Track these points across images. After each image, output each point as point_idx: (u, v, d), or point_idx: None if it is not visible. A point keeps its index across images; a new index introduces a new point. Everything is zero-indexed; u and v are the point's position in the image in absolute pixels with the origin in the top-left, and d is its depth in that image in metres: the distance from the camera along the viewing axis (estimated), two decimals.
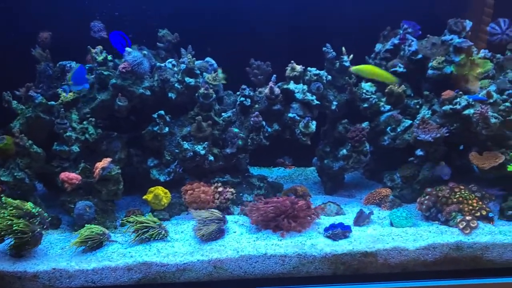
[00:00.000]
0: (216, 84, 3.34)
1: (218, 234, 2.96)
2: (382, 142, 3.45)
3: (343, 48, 3.54)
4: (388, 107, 3.45)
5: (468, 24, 3.57)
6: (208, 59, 3.54)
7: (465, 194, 3.15)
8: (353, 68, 3.19)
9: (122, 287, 2.78)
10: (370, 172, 3.79)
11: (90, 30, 3.66)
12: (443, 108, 3.23)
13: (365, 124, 3.41)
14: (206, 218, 2.98)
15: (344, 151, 3.42)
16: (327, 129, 3.63)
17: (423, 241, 2.92)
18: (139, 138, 3.32)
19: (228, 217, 3.18)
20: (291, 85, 3.32)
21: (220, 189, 3.24)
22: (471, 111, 3.15)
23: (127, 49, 3.10)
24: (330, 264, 2.86)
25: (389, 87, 3.42)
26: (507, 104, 3.14)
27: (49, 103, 3.07)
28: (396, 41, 3.62)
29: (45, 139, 3.12)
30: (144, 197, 3.22)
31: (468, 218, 3.04)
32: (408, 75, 3.57)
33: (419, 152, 3.41)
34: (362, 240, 2.95)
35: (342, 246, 2.88)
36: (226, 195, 3.24)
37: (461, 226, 3.01)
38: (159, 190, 3.20)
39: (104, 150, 3.24)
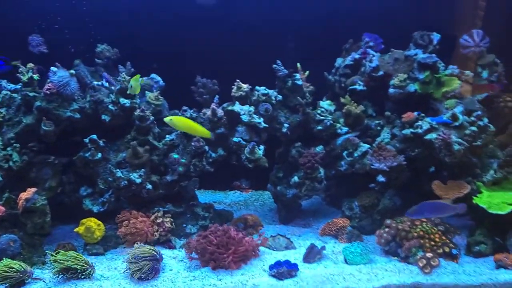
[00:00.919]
0: (158, 104, 3.06)
1: (152, 273, 2.68)
2: (339, 167, 3.16)
3: (298, 64, 3.24)
4: (345, 129, 3.17)
5: (436, 37, 3.29)
6: (153, 75, 3.26)
7: (427, 228, 2.86)
8: (165, 119, 2.73)
9: None
10: (331, 198, 3.50)
11: (29, 45, 3.38)
12: (403, 132, 2.96)
13: (319, 149, 3.13)
14: (139, 255, 2.69)
15: (296, 178, 3.14)
16: (282, 152, 3.34)
17: (378, 282, 2.66)
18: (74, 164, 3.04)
19: (167, 252, 2.93)
20: (236, 107, 3.04)
21: (159, 219, 2.96)
22: (434, 135, 2.85)
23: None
24: None
25: (346, 107, 3.13)
26: (473, 128, 2.85)
27: None
28: (356, 56, 3.34)
29: None
30: (76, 229, 2.96)
31: (428, 255, 2.75)
32: (369, 93, 3.28)
33: (380, 178, 3.13)
34: (309, 280, 2.68)
35: (287, 287, 2.60)
36: (166, 227, 2.94)
37: (420, 264, 2.73)
38: (91, 222, 2.93)
39: (33, 177, 2.97)
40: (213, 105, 2.92)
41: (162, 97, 3.11)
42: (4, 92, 2.95)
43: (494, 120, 3.11)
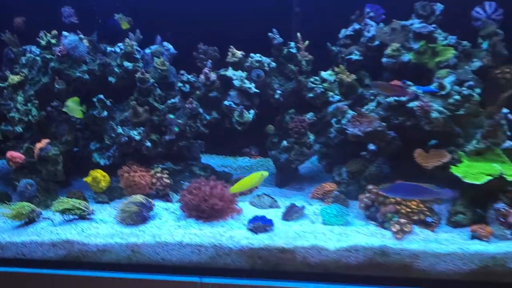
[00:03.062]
0: (164, 69, 3.34)
1: (140, 219, 2.99)
2: (329, 134, 3.27)
3: (298, 34, 3.37)
4: (337, 97, 3.26)
5: (438, 7, 3.25)
6: (165, 43, 3.54)
7: None
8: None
9: (52, 262, 2.89)
10: (329, 165, 3.60)
11: (61, 16, 3.78)
12: (387, 100, 3.00)
13: (309, 115, 3.26)
14: (131, 202, 3.02)
15: (285, 142, 3.29)
16: (279, 119, 3.51)
17: (346, 242, 2.76)
18: None
19: (161, 204, 3.22)
20: (229, 72, 3.24)
21: (158, 175, 3.26)
22: (416, 103, 2.88)
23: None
24: (247, 258, 2.80)
25: (339, 76, 3.22)
26: (457, 97, 2.84)
27: None
28: (357, 26, 3.40)
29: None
30: (85, 179, 3.33)
31: (402, 221, 2.82)
32: (366, 63, 3.34)
33: (371, 147, 3.20)
34: (282, 235, 2.85)
35: (260, 240, 2.80)
36: (164, 182, 3.24)
37: (394, 230, 2.81)
38: (98, 173, 3.29)
39: (53, 132, 3.37)
40: (205, 69, 3.15)
41: (168, 63, 3.38)
42: (28, 55, 3.37)
43: (491, 91, 3.07)
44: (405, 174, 2.99)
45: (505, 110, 3.45)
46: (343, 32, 3.52)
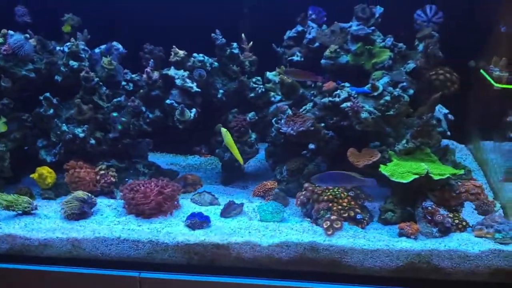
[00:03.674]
0: (111, 68, 3.42)
1: (81, 214, 3.07)
2: (270, 133, 3.36)
3: (243, 35, 3.47)
4: (278, 97, 3.35)
5: (378, 10, 3.36)
6: (114, 43, 3.62)
7: (337, 193, 3.01)
8: (222, 129, 3.10)
9: None
10: (276, 164, 3.69)
11: (15, 15, 3.85)
12: (322, 100, 3.10)
13: (250, 115, 3.34)
14: (73, 197, 3.10)
15: None
16: (225, 118, 3.59)
17: (278, 238, 2.85)
18: None
19: (104, 201, 3.29)
20: (171, 71, 3.33)
21: (103, 172, 3.33)
22: (348, 104, 2.98)
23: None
24: (184, 253, 2.89)
25: (279, 76, 3.32)
26: (387, 98, 2.95)
27: None
28: (299, 28, 3.50)
29: None
30: (31, 175, 3.39)
31: (333, 217, 2.92)
32: (307, 64, 3.44)
33: (311, 146, 3.30)
34: (218, 231, 2.94)
35: (196, 236, 2.89)
36: (108, 179, 3.31)
37: (325, 226, 2.90)
38: (44, 169, 3.35)
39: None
40: (147, 69, 3.23)
41: (116, 62, 3.46)
42: None
43: (425, 92, 3.18)
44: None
45: (445, 110, 3.60)
46: (287, 34, 3.61)
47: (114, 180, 3.36)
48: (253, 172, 3.83)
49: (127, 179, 3.40)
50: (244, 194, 3.47)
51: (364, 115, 2.87)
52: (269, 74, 3.51)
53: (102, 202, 3.26)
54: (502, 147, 3.37)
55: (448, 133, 3.55)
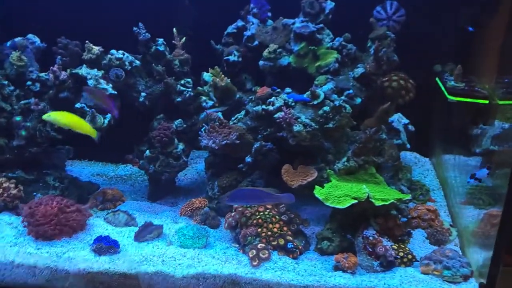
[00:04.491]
0: (21, 64, 3.02)
1: None
2: (200, 143, 2.98)
3: (174, 29, 3.08)
4: (211, 102, 2.97)
5: (328, 5, 2.97)
6: (30, 36, 3.21)
7: (267, 216, 2.64)
8: (44, 116, 2.66)
9: None
10: (214, 177, 3.30)
11: None
12: (255, 108, 2.72)
13: (177, 122, 2.96)
14: None
15: (147, 152, 2.99)
16: (151, 125, 3.20)
17: (195, 268, 2.51)
18: None
19: (5, 218, 2.90)
20: (83, 70, 2.94)
21: (5, 184, 2.94)
22: (281, 114, 2.59)
23: None
24: (87, 282, 2.55)
25: (212, 79, 2.93)
26: (326, 108, 2.57)
27: None
28: (240, 24, 3.11)
29: None
30: None
31: (260, 246, 2.57)
32: (246, 65, 3.06)
33: (248, 159, 2.93)
34: (127, 259, 2.59)
35: (101, 263, 2.55)
36: (12, 193, 2.93)
37: (250, 255, 2.57)
38: None
39: None
40: (54, 67, 2.83)
41: (26, 58, 3.05)
42: None
43: (376, 101, 2.80)
44: (281, 190, 2.71)
45: (405, 121, 3.23)
46: (227, 29, 3.21)
47: (19, 194, 2.97)
48: (187, 186, 3.46)
49: (35, 193, 3.02)
50: (171, 213, 3.10)
51: (297, 127, 2.50)
52: (205, 75, 3.12)
53: (2, 219, 2.88)
54: (464, 163, 3.00)
55: (408, 145, 3.19)
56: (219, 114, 2.90)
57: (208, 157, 3.23)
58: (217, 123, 2.64)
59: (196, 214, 2.97)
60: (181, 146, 2.99)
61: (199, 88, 3.04)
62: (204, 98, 2.98)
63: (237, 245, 2.73)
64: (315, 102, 2.64)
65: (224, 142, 2.57)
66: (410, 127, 3.22)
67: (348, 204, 2.43)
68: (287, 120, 2.49)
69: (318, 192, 2.49)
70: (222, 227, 2.93)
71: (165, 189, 3.25)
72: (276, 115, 2.62)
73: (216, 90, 2.96)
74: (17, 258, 2.56)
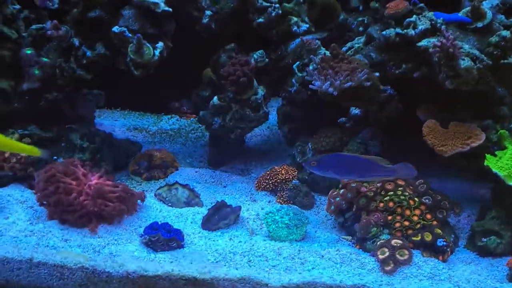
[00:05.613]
0: None
1: None
2: (289, 87, 2.23)
3: None
4: (305, 26, 2.15)
5: None
6: None
7: (402, 197, 1.89)
8: None
9: None
10: (294, 136, 2.55)
11: None
12: (384, 32, 1.90)
13: (256, 55, 2.20)
14: None
15: (215, 99, 2.24)
16: (215, 59, 2.46)
17: (299, 274, 1.85)
18: None
19: (16, 193, 2.26)
20: None
21: None
22: (432, 41, 1.78)
23: None
24: None
25: None
26: (505, 33, 1.83)
27: None
28: None
29: None
30: None
31: (395, 243, 1.85)
32: None
33: (354, 111, 2.19)
34: (195, 257, 2.01)
35: (159, 264, 1.95)
36: (22, 156, 2.31)
37: (380, 257, 1.90)
38: None
39: None
40: None
41: None
42: None
43: None
44: (405, 157, 1.91)
45: None
46: None
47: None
48: (259, 147, 2.79)
49: (55, 158, 2.37)
50: (244, 185, 2.47)
51: (465, 62, 1.66)
52: None
53: (12, 194, 2.24)
54: None
55: None
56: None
57: (282, 106, 2.48)
58: (330, 56, 1.80)
59: (282, 189, 2.26)
60: (261, 90, 2.22)
61: (285, 5, 2.22)
62: (294, 19, 2.19)
63: (349, 238, 2.06)
64: (480, 25, 1.81)
65: (348, 84, 1.73)
66: None
67: None
68: (449, 50, 1.65)
69: (494, 164, 1.70)
70: (318, 207, 2.29)
71: (231, 152, 2.52)
72: (422, 43, 1.79)
73: (313, 7, 2.20)
74: (37, 253, 1.95)
